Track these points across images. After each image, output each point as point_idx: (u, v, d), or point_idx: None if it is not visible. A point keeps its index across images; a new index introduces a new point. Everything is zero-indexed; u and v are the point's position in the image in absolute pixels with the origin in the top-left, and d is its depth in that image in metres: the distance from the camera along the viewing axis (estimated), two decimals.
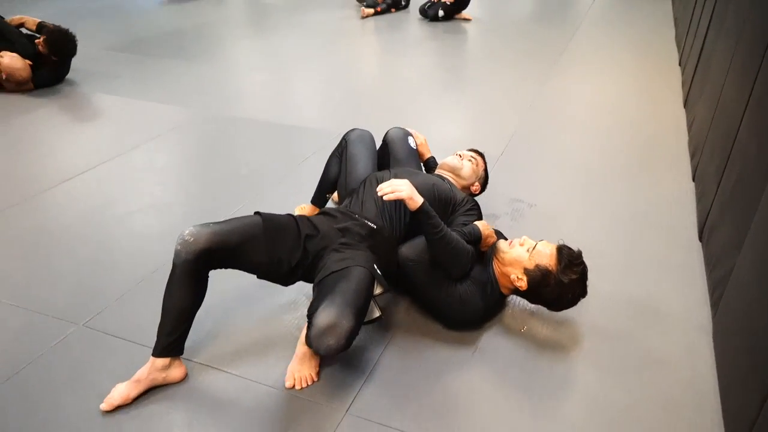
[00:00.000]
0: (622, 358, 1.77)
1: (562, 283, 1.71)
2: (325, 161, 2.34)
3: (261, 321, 1.90)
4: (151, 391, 1.61)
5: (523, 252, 1.79)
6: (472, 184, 2.25)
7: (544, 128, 3.49)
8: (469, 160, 2.26)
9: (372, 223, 1.81)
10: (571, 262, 1.73)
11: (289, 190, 2.70)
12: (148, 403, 1.58)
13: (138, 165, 3.00)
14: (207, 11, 6.78)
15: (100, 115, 3.70)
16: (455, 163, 2.22)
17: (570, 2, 7.63)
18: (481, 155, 2.35)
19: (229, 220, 1.67)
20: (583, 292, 1.76)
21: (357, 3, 6.90)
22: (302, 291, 2.01)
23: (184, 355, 1.66)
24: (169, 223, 2.47)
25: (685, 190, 2.72)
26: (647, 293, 2.05)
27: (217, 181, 2.86)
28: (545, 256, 1.75)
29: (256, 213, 1.72)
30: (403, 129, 2.38)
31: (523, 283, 1.76)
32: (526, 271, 1.75)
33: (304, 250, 1.69)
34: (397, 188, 1.65)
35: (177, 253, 1.56)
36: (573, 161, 3.06)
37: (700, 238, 2.30)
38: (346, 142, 2.26)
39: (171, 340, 1.59)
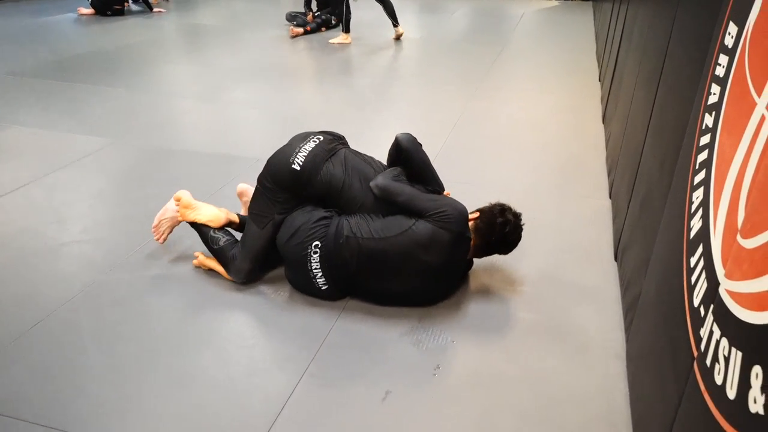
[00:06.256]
0: (536, 396, 1.69)
1: (502, 208, 2.07)
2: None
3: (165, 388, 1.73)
4: None
5: None
6: None
7: (469, 148, 3.46)
8: None
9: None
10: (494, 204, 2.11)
11: None
12: None
13: (36, 201, 2.76)
14: (133, 31, 6.52)
15: None
16: None
17: (499, 20, 7.78)
18: None
19: None
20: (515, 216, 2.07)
21: (287, 22, 6.79)
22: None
23: None
24: (60, 267, 2.25)
25: (604, 208, 2.72)
26: (565, 321, 1.99)
27: (121, 217, 2.66)
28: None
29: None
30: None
31: (476, 214, 2.06)
32: (476, 210, 2.08)
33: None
34: None
35: None
36: (497, 182, 3.02)
37: (616, 259, 2.28)
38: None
39: None
